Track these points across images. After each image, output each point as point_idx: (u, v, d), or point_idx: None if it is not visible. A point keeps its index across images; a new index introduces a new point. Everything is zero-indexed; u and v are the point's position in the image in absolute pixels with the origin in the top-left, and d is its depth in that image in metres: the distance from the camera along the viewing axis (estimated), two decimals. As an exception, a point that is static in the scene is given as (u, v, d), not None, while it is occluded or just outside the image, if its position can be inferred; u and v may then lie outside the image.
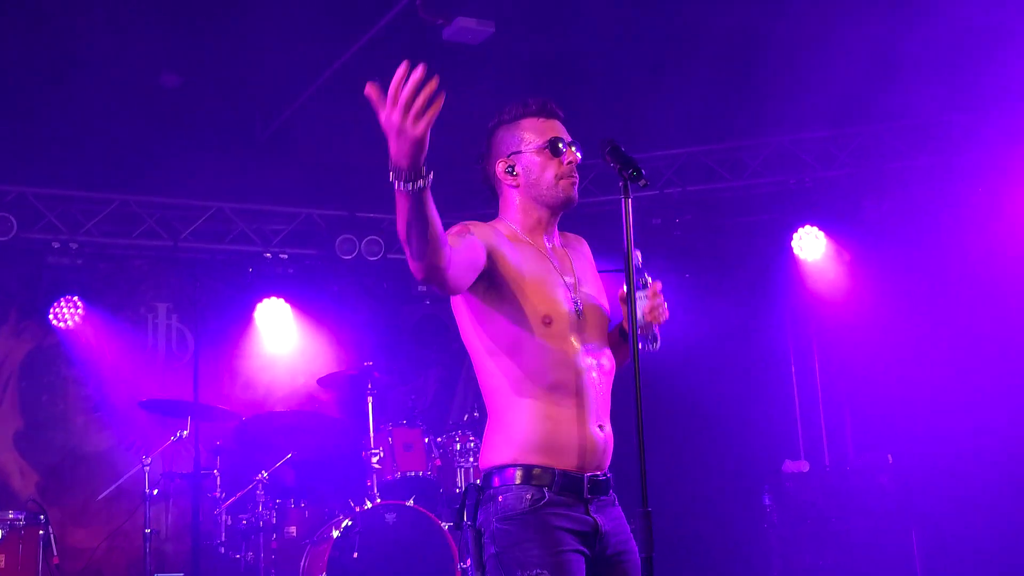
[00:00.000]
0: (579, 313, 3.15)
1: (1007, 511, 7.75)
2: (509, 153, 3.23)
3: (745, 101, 8.33)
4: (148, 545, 7.07)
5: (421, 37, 7.05)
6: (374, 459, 7.18)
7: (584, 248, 3.41)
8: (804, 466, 8.32)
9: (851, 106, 8.39)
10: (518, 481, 2.98)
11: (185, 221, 9.10)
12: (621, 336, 3.30)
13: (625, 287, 3.05)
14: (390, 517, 6.84)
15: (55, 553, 6.89)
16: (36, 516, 6.85)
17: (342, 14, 7.14)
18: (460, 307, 3.14)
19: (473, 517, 3.06)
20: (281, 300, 9.32)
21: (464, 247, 2.91)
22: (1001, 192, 8.20)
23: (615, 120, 7.89)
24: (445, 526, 6.91)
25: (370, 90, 2.48)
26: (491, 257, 3.03)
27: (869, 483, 7.93)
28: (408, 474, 7.35)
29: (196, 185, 8.99)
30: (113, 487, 7.60)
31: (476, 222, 3.12)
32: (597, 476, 3.07)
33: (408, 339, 9.85)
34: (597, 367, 3.12)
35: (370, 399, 7.33)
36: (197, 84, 8.10)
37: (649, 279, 3.15)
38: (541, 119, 3.25)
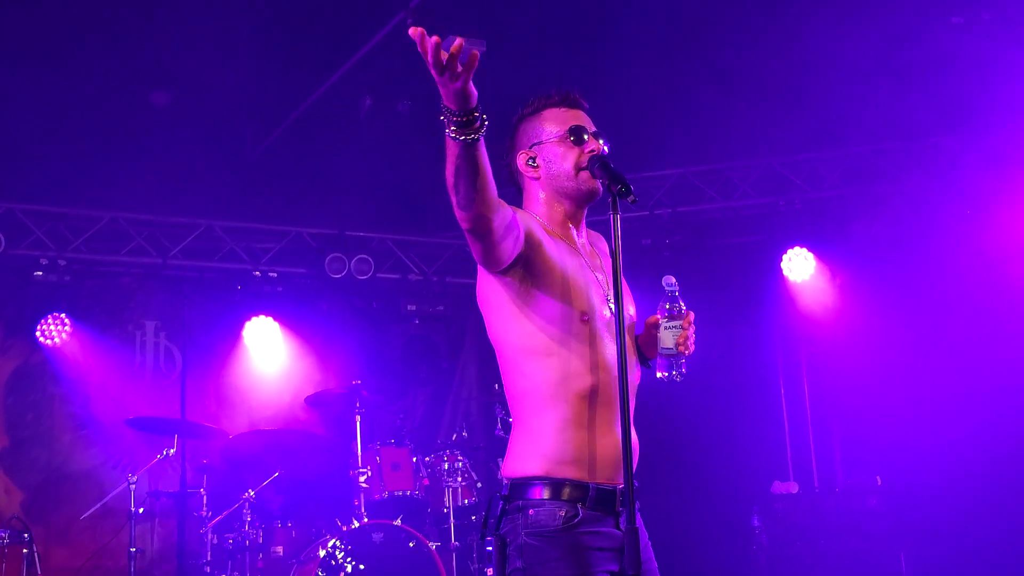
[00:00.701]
0: (610, 308, 3.04)
1: (996, 533, 7.74)
2: (530, 144, 3.14)
3: (735, 122, 8.37)
4: (133, 564, 7.00)
5: (412, 56, 7.05)
6: (361, 478, 7.13)
7: (603, 246, 3.31)
8: (793, 487, 8.31)
9: (840, 128, 8.43)
10: (549, 496, 2.88)
11: (174, 239, 9.07)
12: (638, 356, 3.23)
13: (658, 313, 3.06)
14: (377, 536, 6.79)
15: (39, 571, 6.82)
16: (20, 534, 6.79)
17: (333, 33, 7.17)
18: (494, 300, 3.01)
19: (497, 526, 2.96)
20: (270, 319, 9.28)
21: (510, 216, 2.83)
22: (989, 213, 8.23)
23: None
24: (432, 546, 6.87)
25: (414, 32, 2.45)
26: (529, 243, 2.93)
27: (858, 505, 7.91)
28: (396, 493, 7.31)
29: (185, 203, 8.98)
30: (98, 505, 7.54)
31: (514, 207, 3.02)
32: (633, 488, 2.93)
33: (397, 359, 9.82)
34: (627, 368, 2.97)
35: (358, 418, 7.29)
36: (187, 102, 8.10)
37: (683, 306, 3.09)
38: (563, 109, 3.16)
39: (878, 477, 7.99)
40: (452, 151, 2.58)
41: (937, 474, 7.96)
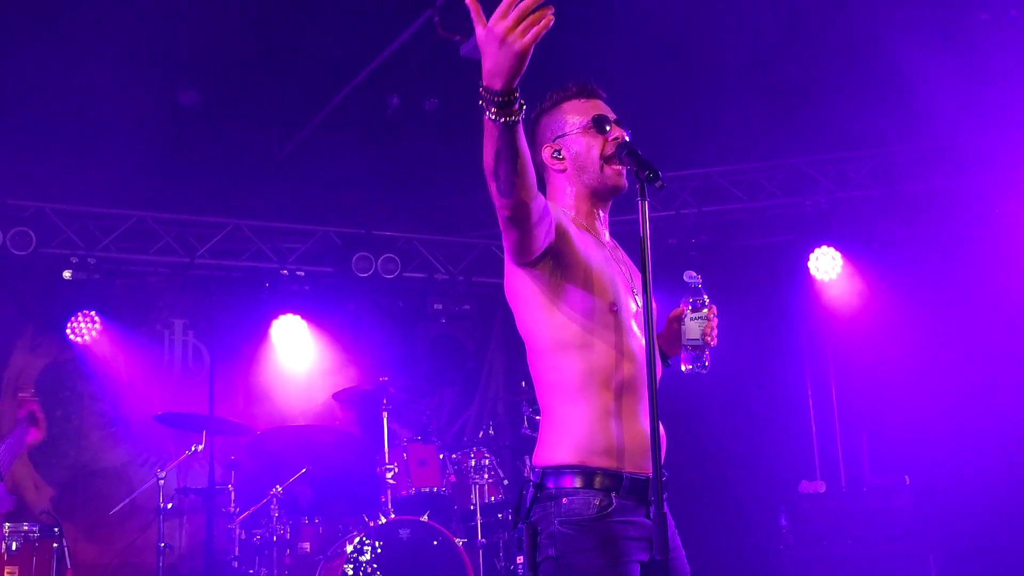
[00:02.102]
0: (637, 301, 3.07)
1: (1026, 533, 7.69)
2: (554, 137, 3.14)
3: (761, 122, 8.35)
4: (162, 560, 7.04)
5: (439, 53, 7.09)
6: (388, 474, 7.15)
7: (620, 254, 3.29)
8: (820, 487, 8.27)
9: (867, 128, 8.39)
10: (582, 485, 2.87)
11: (202, 238, 9.14)
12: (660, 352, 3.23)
13: (681, 305, 3.09)
14: (404, 533, 6.81)
15: (69, 566, 6.86)
16: (50, 529, 6.83)
17: (360, 32, 7.20)
18: (523, 294, 3.00)
19: (527, 514, 2.94)
20: (297, 317, 9.33)
21: (544, 203, 2.81)
22: (1016, 213, 8.18)
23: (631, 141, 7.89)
24: (459, 542, 6.88)
25: (471, 3, 2.41)
26: (559, 234, 2.92)
27: (886, 504, 7.86)
28: (422, 490, 7.33)
29: (213, 202, 9.05)
30: (127, 501, 7.60)
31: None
32: (662, 478, 2.93)
33: (423, 357, 9.85)
34: (657, 362, 2.99)
35: (385, 415, 7.31)
36: (215, 102, 8.16)
37: (707, 299, 3.11)
38: (583, 99, 3.17)
39: (906, 476, 7.93)
40: (491, 134, 2.54)
41: (966, 473, 7.91)
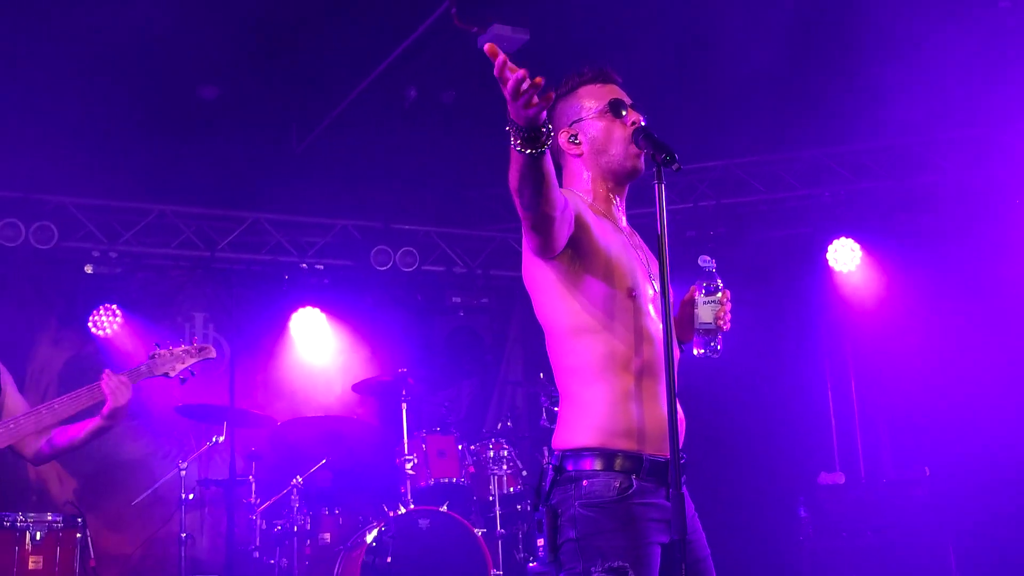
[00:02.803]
0: (654, 285, 3.08)
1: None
2: (570, 122, 3.16)
3: (779, 114, 8.33)
4: (183, 550, 7.11)
5: (456, 45, 7.10)
6: (408, 465, 7.18)
7: (636, 240, 3.29)
8: (840, 478, 8.25)
9: (885, 118, 8.36)
10: (603, 467, 2.88)
11: (222, 232, 9.20)
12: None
13: (695, 289, 3.10)
14: (424, 523, 6.84)
15: (92, 556, 6.91)
16: (74, 519, 6.86)
17: (377, 24, 7.21)
18: (541, 281, 3.03)
19: (547, 497, 2.96)
20: (316, 310, 9.38)
21: (565, 203, 2.85)
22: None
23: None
24: (478, 532, 6.91)
25: (489, 49, 2.45)
26: (578, 224, 2.94)
27: (906, 496, 7.83)
28: (442, 480, 7.36)
29: (233, 196, 9.10)
30: (148, 492, 7.66)
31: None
32: (679, 460, 2.95)
33: (442, 350, 9.89)
34: (674, 345, 3.01)
35: (404, 406, 7.34)
36: (234, 96, 8.20)
37: (720, 284, 3.12)
38: (599, 84, 3.19)
39: (926, 468, 7.90)
40: (517, 162, 2.60)
41: (987, 465, 7.87)
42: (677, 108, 7.80)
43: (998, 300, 8.08)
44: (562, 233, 2.85)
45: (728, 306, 3.12)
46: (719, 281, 3.12)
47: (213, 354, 5.54)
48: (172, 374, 5.35)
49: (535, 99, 2.47)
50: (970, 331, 8.18)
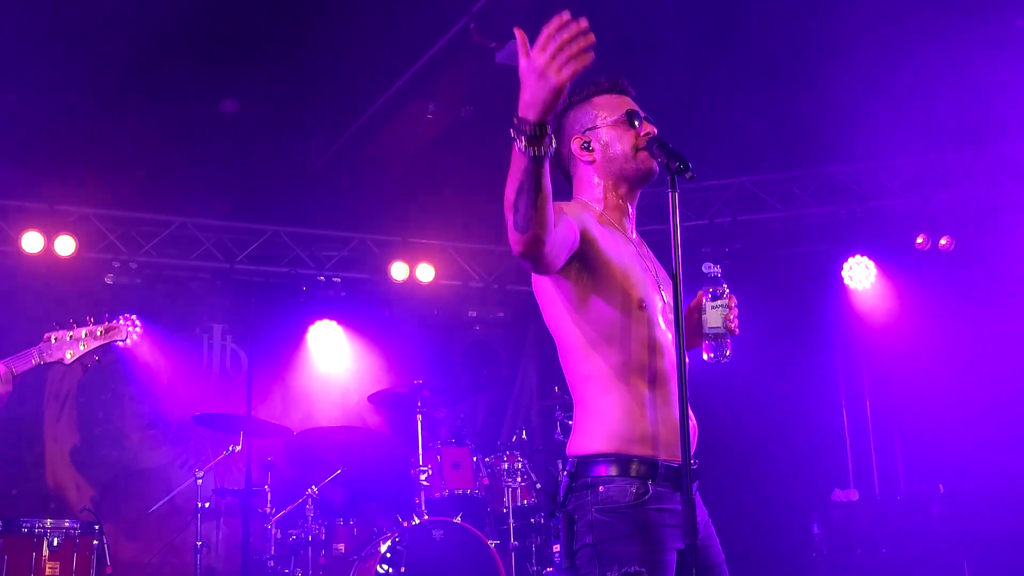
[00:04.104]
0: (663, 296, 3.10)
1: (1061, 544, 7.62)
2: (584, 130, 3.18)
3: (796, 131, 8.36)
4: (199, 559, 7.14)
5: (475, 60, 7.17)
6: (422, 476, 7.21)
7: (646, 251, 3.29)
8: (854, 495, 8.26)
9: (901, 136, 8.38)
10: (618, 472, 2.89)
11: (241, 244, 9.28)
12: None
13: (701, 295, 3.10)
14: (437, 534, 6.86)
15: (108, 563, 6.97)
16: (91, 526, 6.93)
17: (397, 39, 7.28)
18: (550, 294, 3.04)
19: (563, 503, 2.97)
20: (333, 323, 9.46)
21: (561, 226, 2.82)
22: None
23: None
24: (492, 544, 6.93)
25: (519, 33, 2.49)
26: (584, 238, 2.95)
27: (920, 513, 7.84)
28: (456, 492, 7.38)
29: (252, 209, 9.18)
30: (165, 500, 7.71)
31: (564, 202, 3.05)
32: (692, 466, 2.94)
33: (458, 364, 9.94)
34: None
35: (419, 417, 7.37)
36: (255, 110, 8.28)
37: (726, 289, 3.13)
38: (614, 95, 3.21)
39: (941, 485, 7.90)
40: (517, 166, 2.56)
41: (1001, 482, 7.85)
42: (694, 125, 7.84)
43: (1011, 318, 8.09)
44: (557, 256, 2.84)
45: (736, 311, 3.13)
46: (725, 287, 3.14)
47: (123, 336, 4.93)
48: (68, 360, 4.77)
49: (567, 66, 2.45)
50: (984, 349, 8.19)
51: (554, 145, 2.58)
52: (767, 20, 7.17)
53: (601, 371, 2.98)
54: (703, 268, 3.14)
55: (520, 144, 2.53)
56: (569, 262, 2.94)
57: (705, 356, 3.16)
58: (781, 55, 7.49)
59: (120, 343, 4.89)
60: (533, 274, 3.07)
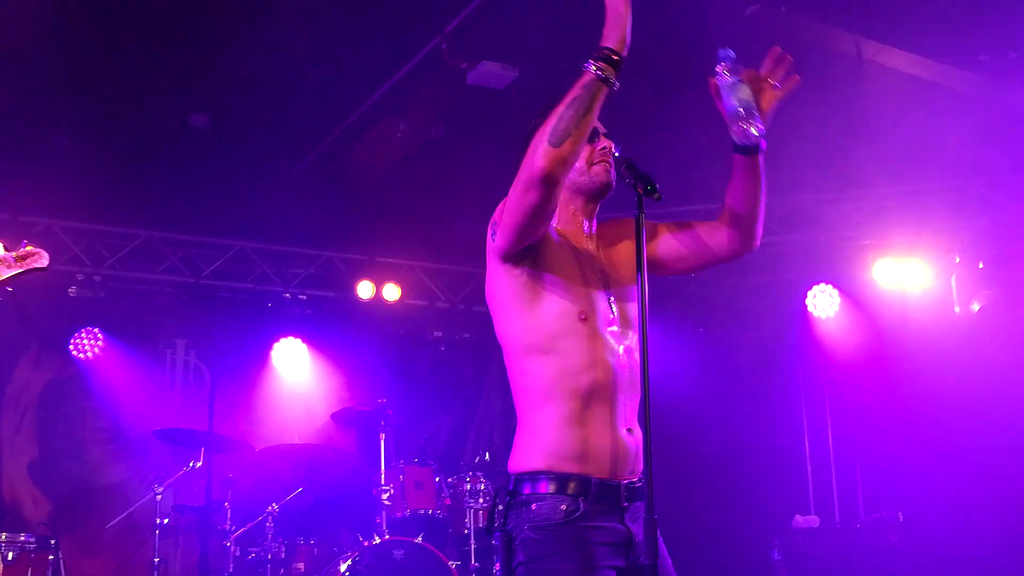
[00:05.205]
0: (613, 310, 3.09)
1: (1021, 572, 7.68)
2: None
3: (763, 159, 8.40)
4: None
5: (447, 81, 7.19)
6: (384, 496, 7.18)
7: (624, 229, 3.30)
8: (814, 522, 8.29)
9: (868, 168, 8.46)
10: (552, 490, 2.90)
11: (207, 259, 9.24)
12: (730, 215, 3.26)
13: (718, 74, 3.02)
14: (398, 553, 6.83)
15: (64, 578, 6.89)
16: (47, 540, 6.86)
17: (369, 58, 7.29)
18: (501, 296, 3.06)
19: (503, 521, 2.98)
20: (298, 340, 9.42)
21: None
22: (1010, 257, 8.25)
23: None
24: (452, 565, 6.91)
25: None
26: (543, 237, 3.00)
27: (879, 541, 7.88)
28: (418, 512, 7.36)
29: (219, 224, 9.14)
30: (123, 515, 7.63)
31: None
32: (633, 483, 2.98)
33: (423, 383, 9.92)
34: (628, 367, 3.04)
35: (383, 436, 7.35)
36: (225, 126, 8.26)
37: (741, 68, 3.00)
38: None
39: (900, 513, 7.96)
40: (580, 84, 2.79)
41: (960, 511, 7.92)
42: (662, 150, 7.88)
43: (972, 347, 8.17)
44: (545, 221, 2.92)
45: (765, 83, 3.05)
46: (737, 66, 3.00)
47: (44, 263, 4.63)
48: None
49: None
50: (946, 377, 8.26)
51: (617, 84, 2.80)
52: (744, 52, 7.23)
53: (536, 383, 2.99)
54: (719, 52, 3.02)
55: (590, 67, 2.78)
56: (528, 253, 2.98)
57: (738, 142, 3.04)
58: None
59: (41, 269, 4.57)
60: (488, 278, 3.09)
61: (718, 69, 3.00)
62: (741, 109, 2.96)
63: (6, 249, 4.43)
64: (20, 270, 4.48)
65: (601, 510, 2.92)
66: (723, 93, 3.00)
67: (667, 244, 3.30)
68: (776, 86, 3.08)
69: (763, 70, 3.02)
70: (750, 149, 3.09)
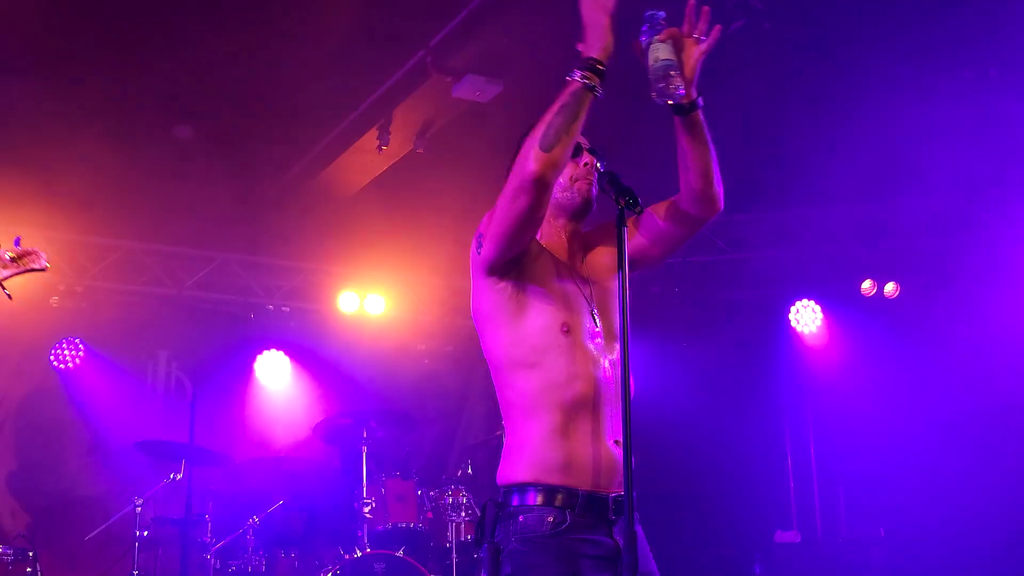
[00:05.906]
0: (596, 322, 3.10)
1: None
2: None
3: (747, 174, 8.43)
4: (135, 589, 7.02)
5: (432, 94, 7.20)
6: (366, 509, 7.15)
7: (603, 237, 3.30)
8: (796, 537, 8.32)
9: (852, 183, 8.49)
10: (539, 502, 2.90)
11: (190, 271, 9.21)
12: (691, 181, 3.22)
13: (641, 38, 3.00)
14: (379, 567, 6.81)
15: (42, 592, 6.83)
16: (25, 552, 6.81)
17: (353, 70, 7.29)
18: (486, 311, 3.07)
19: (491, 534, 2.98)
20: (281, 353, 9.39)
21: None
22: (995, 273, 8.29)
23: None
24: (433, 579, 6.89)
25: None
26: (527, 249, 3.03)
27: (861, 556, 7.92)
28: (399, 525, 7.33)
29: (202, 236, 9.11)
30: (102, 528, 7.57)
31: None
32: (622, 496, 2.92)
33: (406, 396, 9.88)
34: (613, 379, 3.04)
35: (364, 449, 7.32)
36: (208, 137, 8.24)
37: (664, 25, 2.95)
38: None
39: (882, 529, 7.99)
40: (567, 91, 2.85)
41: (941, 526, 7.96)
42: (643, 165, 7.89)
43: (955, 363, 8.20)
44: (533, 228, 2.95)
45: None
46: (663, 22, 2.96)
47: (43, 264, 4.40)
48: None
49: None
50: (926, 394, 8.29)
51: (601, 92, 2.86)
52: (723, 66, 7.25)
53: (521, 396, 3.00)
54: (645, 14, 2.98)
55: (578, 74, 2.84)
56: (512, 265, 3.01)
57: (657, 100, 3.00)
58: (738, 98, 7.57)
59: (39, 270, 4.36)
60: (474, 296, 3.11)
61: (641, 37, 2.98)
62: (660, 68, 2.93)
63: (0, 248, 4.15)
64: (17, 271, 4.31)
65: (588, 522, 2.92)
66: (651, 51, 2.96)
67: (638, 237, 3.31)
68: (701, 40, 3.05)
69: (683, 26, 3.01)
70: (684, 108, 3.06)
